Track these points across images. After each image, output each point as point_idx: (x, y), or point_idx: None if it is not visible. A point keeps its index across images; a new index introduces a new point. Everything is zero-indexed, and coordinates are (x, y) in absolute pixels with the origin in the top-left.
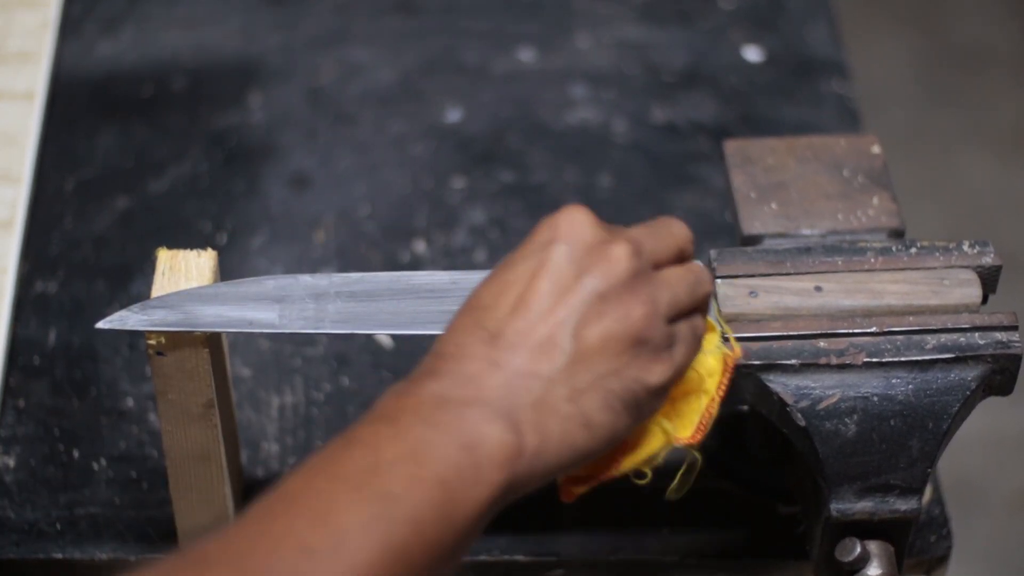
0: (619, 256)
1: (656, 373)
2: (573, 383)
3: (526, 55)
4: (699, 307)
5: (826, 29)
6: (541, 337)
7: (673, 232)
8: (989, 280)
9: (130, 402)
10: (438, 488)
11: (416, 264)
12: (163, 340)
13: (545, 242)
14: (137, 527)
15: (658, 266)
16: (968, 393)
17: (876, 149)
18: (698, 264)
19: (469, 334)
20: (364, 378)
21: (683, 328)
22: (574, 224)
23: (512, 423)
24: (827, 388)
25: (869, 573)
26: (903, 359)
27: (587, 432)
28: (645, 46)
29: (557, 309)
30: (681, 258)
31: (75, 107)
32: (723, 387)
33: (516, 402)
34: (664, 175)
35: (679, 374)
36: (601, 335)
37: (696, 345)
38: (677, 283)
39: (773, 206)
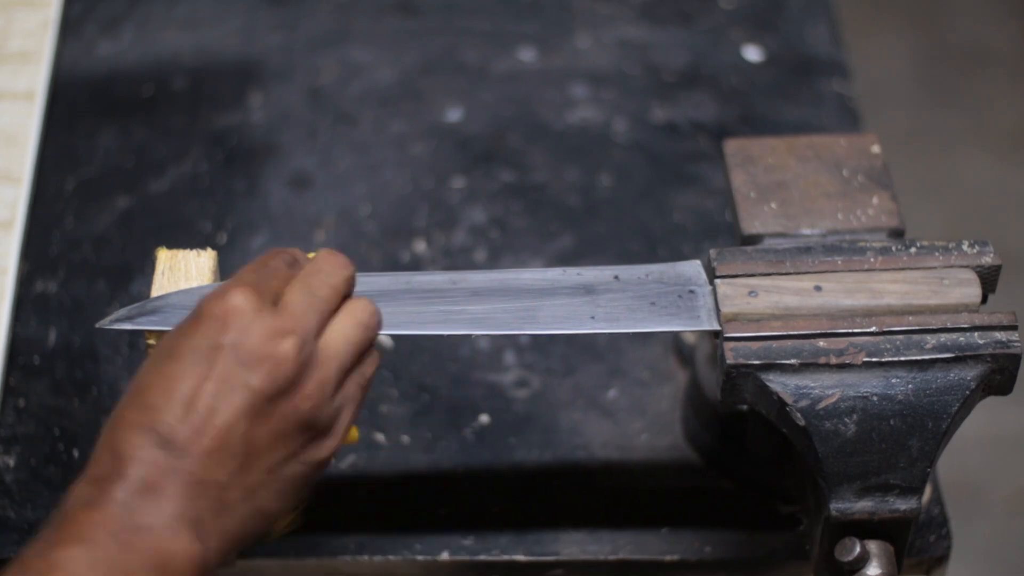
0: (286, 355)
1: (326, 448)
2: (246, 483)
3: (526, 55)
4: (368, 351)
5: (826, 29)
6: (212, 443)
7: (332, 281)
8: (989, 280)
9: None
10: None
11: (416, 264)
12: None
13: (213, 341)
14: None
15: (325, 320)
16: (967, 393)
17: (876, 149)
18: (360, 304)
19: (141, 435)
20: None
21: (350, 387)
22: (241, 319)
23: (196, 533)
24: (827, 388)
25: (869, 573)
26: (903, 359)
27: (264, 520)
28: (645, 46)
29: (226, 414)
30: (347, 293)
31: (75, 107)
32: None
33: (197, 510)
34: (664, 175)
35: (347, 434)
36: (270, 434)
37: (364, 391)
38: (345, 350)
39: (773, 206)
